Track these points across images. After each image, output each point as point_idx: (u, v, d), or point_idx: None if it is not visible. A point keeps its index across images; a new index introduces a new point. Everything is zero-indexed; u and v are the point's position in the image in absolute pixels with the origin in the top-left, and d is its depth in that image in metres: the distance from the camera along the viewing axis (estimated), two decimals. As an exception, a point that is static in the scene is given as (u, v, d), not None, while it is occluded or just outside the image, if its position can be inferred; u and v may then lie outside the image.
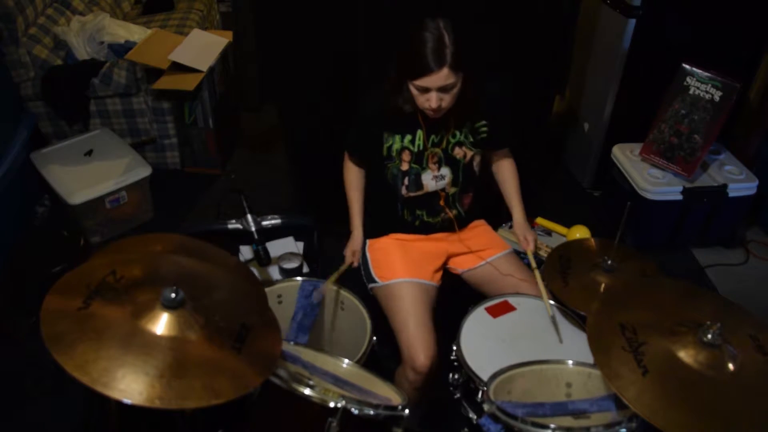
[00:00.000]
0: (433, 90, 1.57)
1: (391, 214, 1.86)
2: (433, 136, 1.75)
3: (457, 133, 1.77)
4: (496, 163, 1.96)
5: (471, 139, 1.79)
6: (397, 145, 1.76)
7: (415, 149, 1.76)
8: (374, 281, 1.82)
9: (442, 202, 1.84)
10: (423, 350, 1.64)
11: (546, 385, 1.45)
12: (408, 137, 1.75)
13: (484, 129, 1.79)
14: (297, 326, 1.66)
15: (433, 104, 1.59)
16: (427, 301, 1.76)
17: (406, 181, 1.79)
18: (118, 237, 2.63)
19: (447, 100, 1.60)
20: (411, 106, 1.67)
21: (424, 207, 1.84)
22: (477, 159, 1.83)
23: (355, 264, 1.88)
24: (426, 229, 1.87)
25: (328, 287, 1.77)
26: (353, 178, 1.92)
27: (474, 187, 1.88)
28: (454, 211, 1.87)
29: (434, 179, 1.80)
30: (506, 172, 1.95)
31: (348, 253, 1.89)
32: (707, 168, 2.61)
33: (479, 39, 1.92)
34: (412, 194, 1.82)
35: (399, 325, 1.71)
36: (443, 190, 1.82)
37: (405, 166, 1.78)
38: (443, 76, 1.54)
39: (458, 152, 1.79)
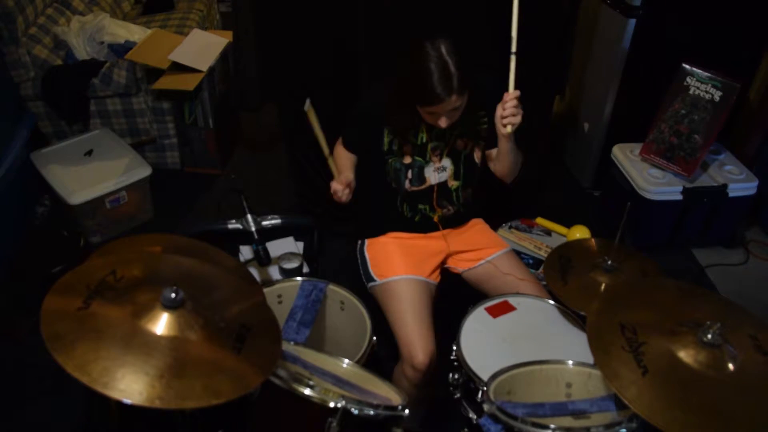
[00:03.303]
0: (443, 114, 1.60)
1: (390, 211, 1.87)
2: (436, 129, 1.75)
3: (459, 125, 1.77)
4: (495, 159, 1.86)
5: (472, 130, 1.79)
6: (399, 139, 1.76)
7: (418, 142, 1.76)
8: (373, 280, 1.82)
9: (440, 206, 1.84)
10: (422, 348, 1.64)
11: (546, 385, 1.45)
12: (411, 131, 1.75)
13: (485, 119, 1.79)
14: (297, 324, 1.66)
15: (443, 125, 1.62)
16: (426, 299, 1.76)
17: (409, 175, 1.80)
18: (118, 237, 2.63)
19: (455, 117, 1.63)
20: (417, 118, 1.69)
21: (426, 201, 1.84)
22: (477, 150, 1.84)
23: (344, 194, 1.72)
24: (426, 226, 1.87)
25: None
26: (346, 156, 1.84)
27: (474, 180, 1.88)
28: (456, 207, 1.87)
29: (436, 171, 1.80)
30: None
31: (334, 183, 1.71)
32: (707, 168, 2.61)
33: (479, 38, 1.92)
34: (415, 188, 1.82)
35: (397, 323, 1.71)
36: (445, 184, 1.82)
37: (407, 159, 1.78)
38: (452, 102, 1.56)
39: (459, 144, 1.80)
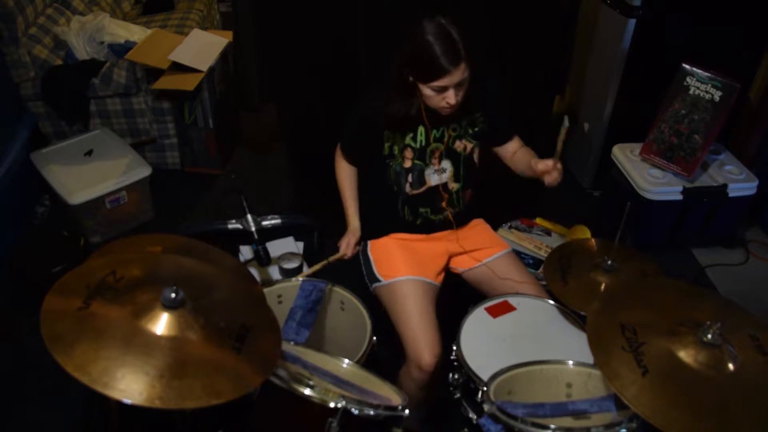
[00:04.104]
0: (451, 87, 1.58)
1: (392, 214, 1.86)
2: (435, 132, 1.75)
3: (457, 127, 1.77)
4: (513, 155, 1.87)
5: (470, 132, 1.80)
6: (399, 144, 1.76)
7: (418, 146, 1.76)
8: (377, 280, 1.81)
9: (444, 204, 1.84)
10: (428, 348, 1.64)
11: (546, 385, 1.45)
12: (410, 135, 1.75)
13: (482, 120, 1.80)
14: (297, 324, 1.65)
15: (452, 101, 1.60)
16: (431, 300, 1.76)
17: (410, 178, 1.80)
18: (118, 237, 2.63)
19: (461, 94, 1.62)
20: (416, 109, 1.68)
21: (427, 205, 1.84)
22: (476, 152, 1.84)
23: (348, 255, 1.87)
24: (427, 227, 1.87)
25: (309, 274, 1.78)
26: (347, 175, 1.92)
27: (474, 181, 1.88)
28: (456, 209, 1.86)
29: (436, 173, 1.80)
30: (524, 155, 1.84)
31: (343, 243, 1.88)
32: (707, 168, 2.61)
33: (477, 35, 1.91)
34: (415, 191, 1.82)
35: (403, 324, 1.70)
36: (445, 186, 1.83)
37: (408, 164, 1.78)
38: (460, 71, 1.55)
39: (459, 145, 1.80)
